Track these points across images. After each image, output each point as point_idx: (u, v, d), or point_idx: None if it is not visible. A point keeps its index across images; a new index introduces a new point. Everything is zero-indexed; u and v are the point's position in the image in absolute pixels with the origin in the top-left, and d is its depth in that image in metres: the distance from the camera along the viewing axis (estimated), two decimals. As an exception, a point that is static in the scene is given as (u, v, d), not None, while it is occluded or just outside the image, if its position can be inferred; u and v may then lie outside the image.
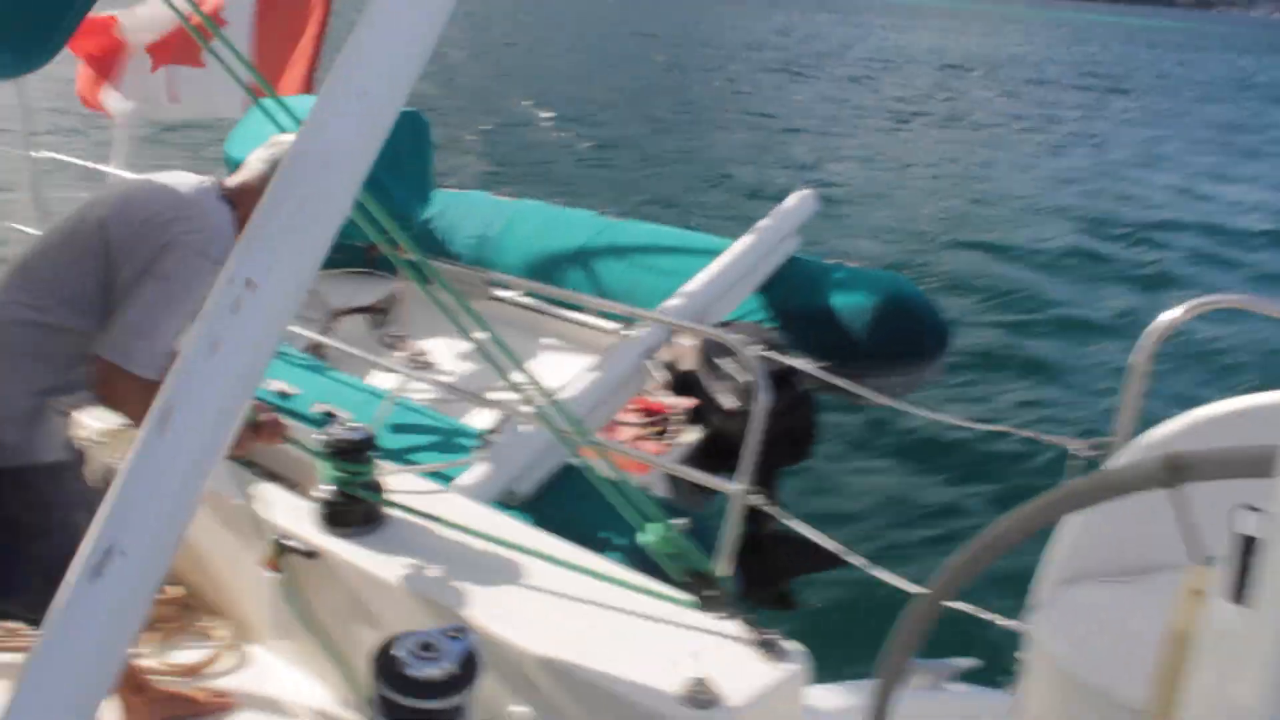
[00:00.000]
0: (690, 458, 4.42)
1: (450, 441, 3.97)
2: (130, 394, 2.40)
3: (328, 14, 5.71)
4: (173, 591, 3.38)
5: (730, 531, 2.77)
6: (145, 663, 3.09)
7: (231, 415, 1.14)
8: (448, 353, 5.96)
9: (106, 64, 5.61)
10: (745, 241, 5.14)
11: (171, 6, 3.15)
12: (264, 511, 3.00)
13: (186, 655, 3.15)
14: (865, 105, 26.47)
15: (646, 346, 4.26)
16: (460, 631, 1.78)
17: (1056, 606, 2.18)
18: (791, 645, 2.39)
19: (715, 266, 4.89)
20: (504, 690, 2.47)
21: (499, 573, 2.66)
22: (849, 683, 2.98)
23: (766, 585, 4.24)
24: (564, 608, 2.54)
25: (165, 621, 3.28)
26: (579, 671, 2.32)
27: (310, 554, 2.81)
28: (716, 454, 4.41)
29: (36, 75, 2.97)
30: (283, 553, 2.87)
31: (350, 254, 5.55)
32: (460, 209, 6.38)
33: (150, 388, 2.11)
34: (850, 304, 4.95)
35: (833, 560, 4.59)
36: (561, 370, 5.31)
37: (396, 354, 6.00)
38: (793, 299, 5.10)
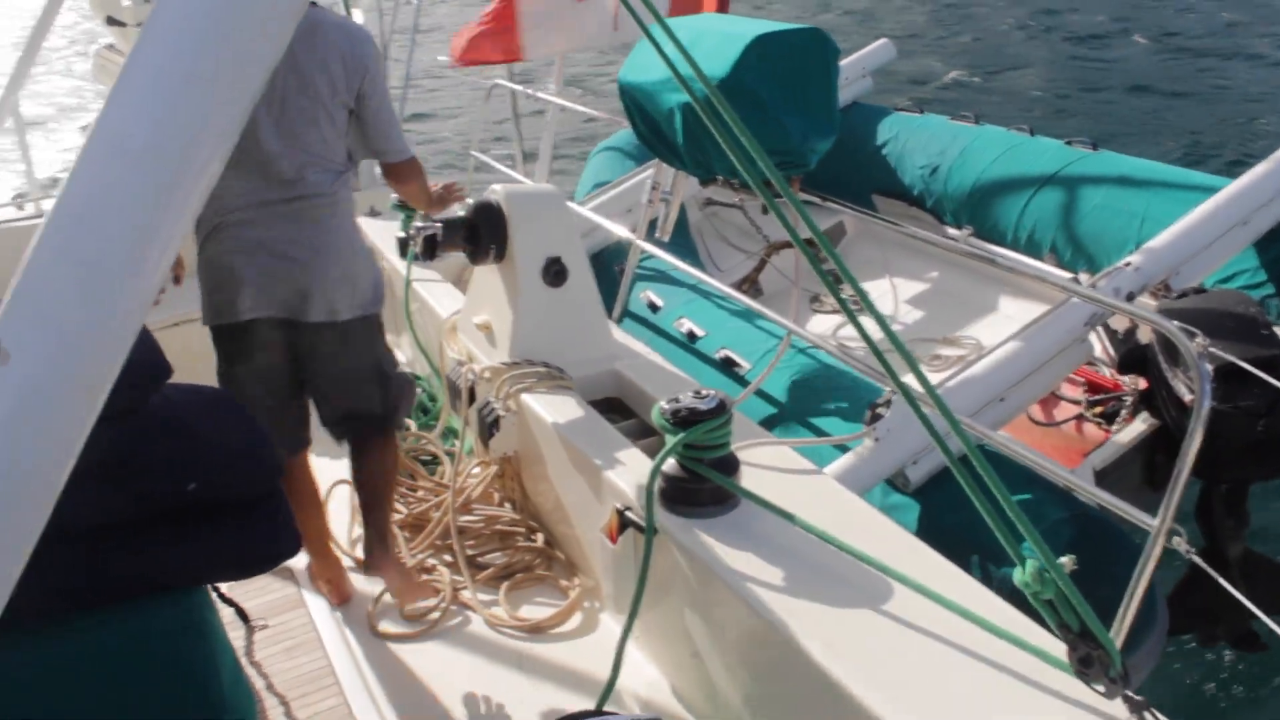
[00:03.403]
0: (1136, 451, 3.67)
1: (849, 404, 3.55)
2: (416, 174, 3.16)
3: None
4: (535, 541, 3.32)
5: (1141, 579, 2.14)
6: (495, 612, 3.05)
7: None
8: (889, 296, 5.50)
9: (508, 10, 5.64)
10: (1245, 181, 4.14)
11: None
12: (615, 475, 2.81)
13: (537, 610, 3.07)
14: None
15: (1093, 312, 3.54)
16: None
17: None
18: None
19: (1199, 213, 3.98)
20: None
21: (844, 586, 2.26)
22: None
23: (1230, 618, 3.45)
24: (907, 643, 2.09)
25: (525, 569, 3.22)
26: None
27: (651, 530, 2.57)
28: (1167, 452, 3.62)
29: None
30: (624, 525, 2.66)
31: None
32: (914, 135, 5.84)
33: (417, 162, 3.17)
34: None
35: None
36: (1000, 325, 4.69)
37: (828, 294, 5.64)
38: (1302, 258, 4.06)
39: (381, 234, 4.80)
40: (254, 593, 3.24)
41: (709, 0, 5.28)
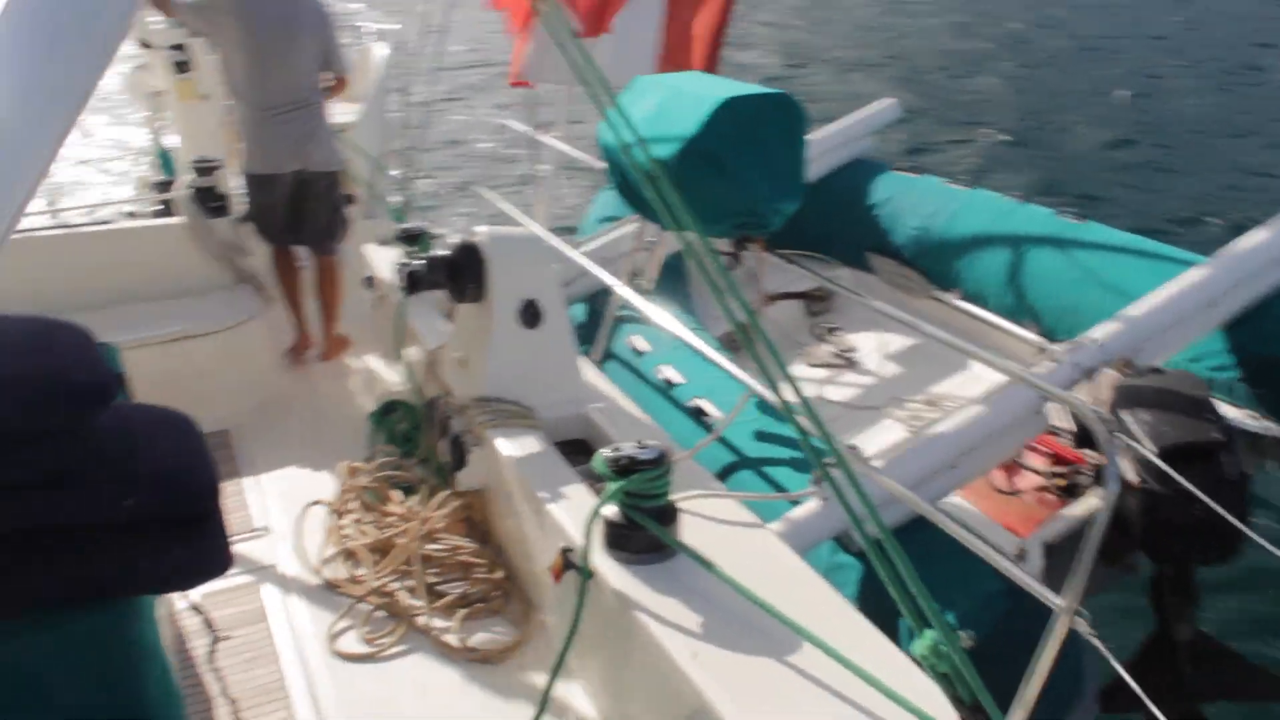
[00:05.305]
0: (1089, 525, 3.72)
1: (805, 461, 3.64)
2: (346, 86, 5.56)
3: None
4: (495, 574, 3.42)
5: (1045, 658, 2.21)
6: (448, 640, 3.15)
7: None
8: (877, 353, 5.59)
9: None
10: (1218, 261, 4.21)
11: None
12: (564, 516, 2.92)
13: (489, 640, 3.17)
14: None
15: (1052, 384, 3.61)
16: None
17: None
18: None
19: (1167, 291, 4.06)
20: None
21: (763, 642, 2.35)
22: None
23: (1173, 700, 3.48)
24: (811, 703, 2.17)
25: (482, 600, 3.32)
26: None
27: (585, 572, 2.67)
28: (1117, 528, 3.66)
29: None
30: (567, 565, 2.76)
31: (782, 237, 5.26)
32: (908, 195, 5.95)
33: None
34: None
35: (1269, 692, 3.70)
36: (976, 388, 4.76)
37: (822, 347, 5.73)
38: (1270, 344, 4.12)
39: (389, 262, 4.96)
40: (222, 603, 3.38)
41: (697, 57, 5.41)
